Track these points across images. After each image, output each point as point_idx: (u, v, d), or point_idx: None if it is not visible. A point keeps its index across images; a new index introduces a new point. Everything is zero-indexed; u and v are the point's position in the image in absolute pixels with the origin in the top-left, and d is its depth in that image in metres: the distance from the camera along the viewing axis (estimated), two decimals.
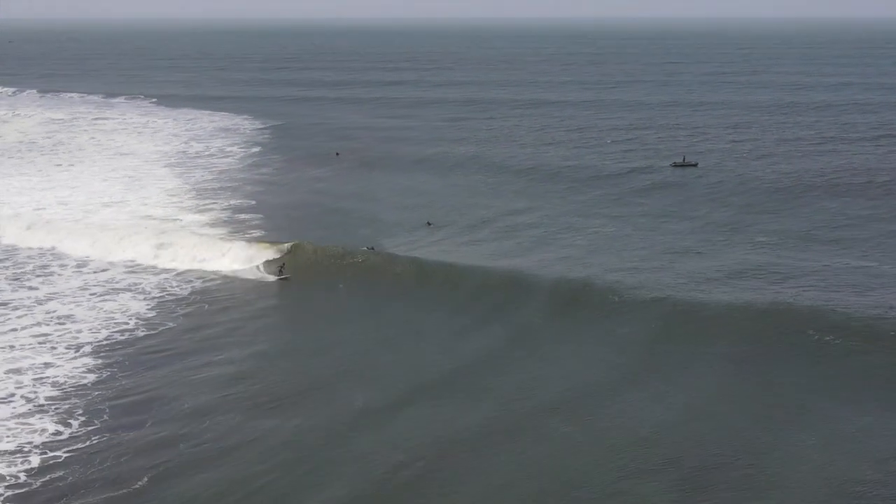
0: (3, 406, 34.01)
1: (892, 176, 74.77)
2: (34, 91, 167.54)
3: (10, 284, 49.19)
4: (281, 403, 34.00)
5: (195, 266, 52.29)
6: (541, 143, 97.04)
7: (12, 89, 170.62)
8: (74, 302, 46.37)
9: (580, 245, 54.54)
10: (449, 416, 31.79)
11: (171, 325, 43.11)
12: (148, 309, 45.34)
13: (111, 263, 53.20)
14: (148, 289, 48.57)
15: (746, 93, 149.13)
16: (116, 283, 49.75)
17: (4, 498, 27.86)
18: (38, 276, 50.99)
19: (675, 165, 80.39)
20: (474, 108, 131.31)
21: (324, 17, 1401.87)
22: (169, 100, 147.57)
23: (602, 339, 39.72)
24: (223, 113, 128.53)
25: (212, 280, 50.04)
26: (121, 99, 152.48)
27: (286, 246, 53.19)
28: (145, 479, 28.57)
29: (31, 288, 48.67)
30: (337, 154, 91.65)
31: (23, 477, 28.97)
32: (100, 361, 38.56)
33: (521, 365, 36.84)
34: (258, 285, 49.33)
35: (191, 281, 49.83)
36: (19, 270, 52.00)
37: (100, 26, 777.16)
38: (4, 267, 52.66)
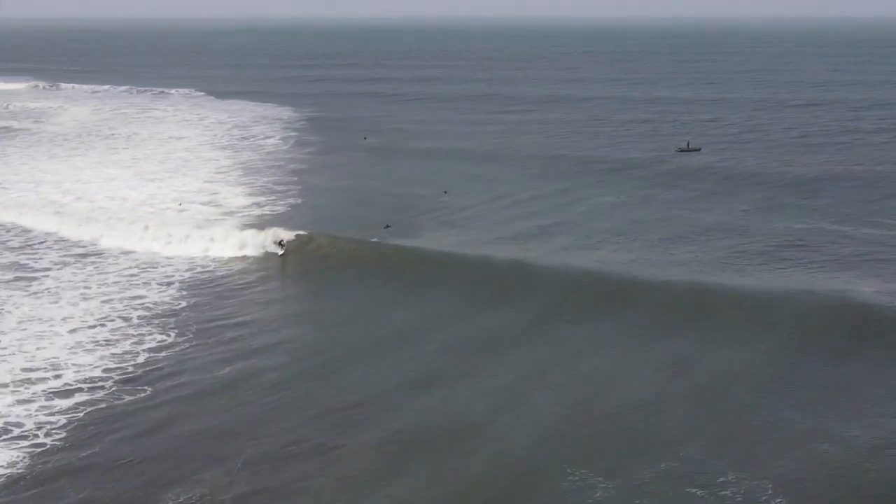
0: (107, 323, 42.48)
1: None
2: (82, 85, 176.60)
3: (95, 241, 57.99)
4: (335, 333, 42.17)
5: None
6: (562, 134, 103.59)
7: (64, 84, 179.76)
8: (158, 251, 55.17)
9: (580, 226, 60.01)
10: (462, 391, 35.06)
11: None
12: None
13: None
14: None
15: (763, 89, 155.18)
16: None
17: (115, 381, 36.03)
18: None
19: (680, 151, 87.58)
20: (501, 103, 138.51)
21: (314, 16, 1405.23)
22: (214, 93, 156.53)
23: (611, 324, 41.56)
24: (268, 104, 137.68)
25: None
26: (168, 91, 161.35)
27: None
28: (227, 368, 36.87)
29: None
30: (365, 139, 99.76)
31: (130, 368, 37.21)
32: (185, 293, 47.07)
33: (531, 346, 39.60)
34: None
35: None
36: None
37: (110, 26, 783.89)
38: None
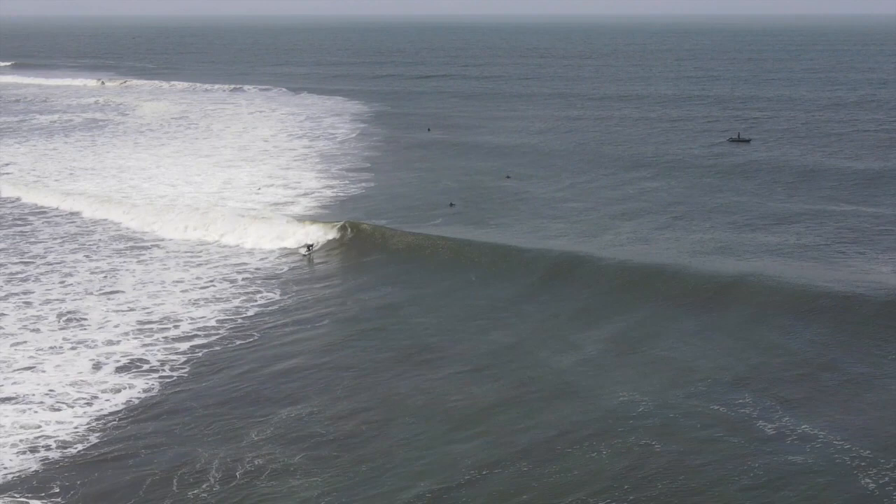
0: (217, 284, 48.94)
1: None
2: (148, 81, 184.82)
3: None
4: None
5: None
6: (621, 129, 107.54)
7: (131, 80, 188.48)
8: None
9: (635, 211, 63.19)
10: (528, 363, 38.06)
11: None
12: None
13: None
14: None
15: (811, 85, 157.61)
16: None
17: (227, 329, 41.99)
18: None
19: (731, 141, 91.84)
20: (564, 100, 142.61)
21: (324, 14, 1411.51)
22: (286, 87, 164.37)
23: (671, 301, 43.96)
24: (337, 97, 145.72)
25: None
26: (242, 86, 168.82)
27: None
28: (326, 321, 42.78)
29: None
30: (429, 130, 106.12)
31: (240, 320, 43.23)
32: (284, 260, 53.48)
33: (598, 320, 42.49)
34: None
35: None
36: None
37: (115, 24, 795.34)
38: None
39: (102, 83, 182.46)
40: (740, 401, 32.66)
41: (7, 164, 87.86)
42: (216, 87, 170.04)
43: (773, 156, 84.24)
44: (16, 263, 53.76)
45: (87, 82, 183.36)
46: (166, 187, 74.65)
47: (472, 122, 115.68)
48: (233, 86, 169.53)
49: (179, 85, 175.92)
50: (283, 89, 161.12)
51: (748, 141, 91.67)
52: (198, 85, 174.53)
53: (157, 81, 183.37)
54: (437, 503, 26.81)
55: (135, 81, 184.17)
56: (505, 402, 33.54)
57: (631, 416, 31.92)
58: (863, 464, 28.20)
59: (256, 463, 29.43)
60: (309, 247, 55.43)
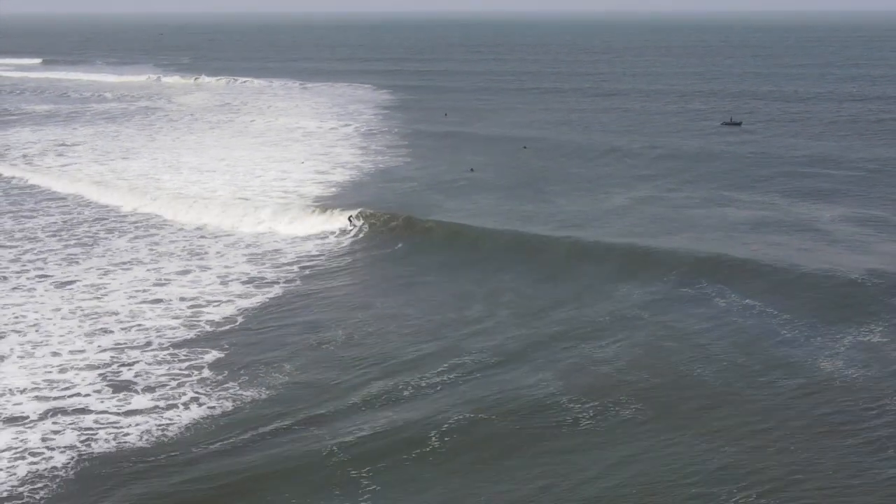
0: (311, 230, 61.78)
1: None
2: (194, 74, 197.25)
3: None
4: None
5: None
6: (628, 119, 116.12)
7: (183, 75, 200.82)
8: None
9: (634, 204, 68.84)
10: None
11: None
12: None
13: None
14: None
15: (810, 81, 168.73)
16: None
17: (327, 257, 54.99)
18: None
19: (724, 124, 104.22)
20: (580, 92, 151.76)
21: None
22: (316, 80, 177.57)
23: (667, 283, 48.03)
24: (366, 87, 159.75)
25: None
26: (274, 79, 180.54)
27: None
28: (400, 244, 56.18)
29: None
30: (446, 115, 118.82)
31: (336, 249, 56.68)
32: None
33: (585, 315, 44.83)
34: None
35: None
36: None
37: (120, 22, 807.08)
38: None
39: (156, 77, 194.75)
40: (705, 286, 46.15)
41: (80, 144, 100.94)
42: (251, 79, 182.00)
43: (761, 136, 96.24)
44: (141, 212, 67.23)
45: (127, 77, 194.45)
46: (217, 162, 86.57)
47: (489, 110, 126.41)
48: (266, 79, 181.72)
49: (217, 78, 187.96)
50: (314, 81, 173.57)
51: (739, 124, 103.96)
52: (234, 78, 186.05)
53: (196, 75, 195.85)
54: (487, 351, 39.24)
55: (175, 75, 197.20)
56: (540, 296, 46.74)
57: (627, 304, 45.18)
58: (782, 321, 41.41)
59: (367, 330, 42.48)
60: (350, 217, 62.15)
